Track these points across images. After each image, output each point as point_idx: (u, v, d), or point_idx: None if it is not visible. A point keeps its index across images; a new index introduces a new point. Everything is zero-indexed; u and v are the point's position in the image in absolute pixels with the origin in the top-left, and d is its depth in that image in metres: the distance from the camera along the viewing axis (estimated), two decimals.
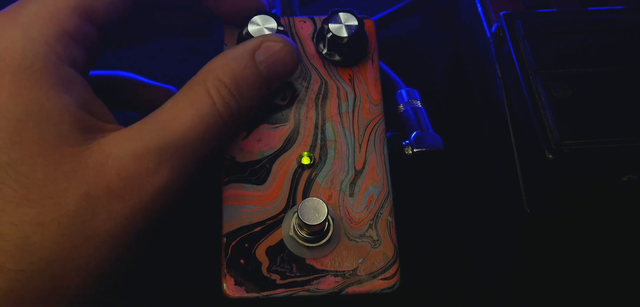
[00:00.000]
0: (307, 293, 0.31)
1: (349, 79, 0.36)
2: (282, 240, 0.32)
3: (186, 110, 0.29)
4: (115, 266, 0.28)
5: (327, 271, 0.31)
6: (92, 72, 0.33)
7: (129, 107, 0.40)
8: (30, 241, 0.26)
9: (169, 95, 0.40)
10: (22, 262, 0.26)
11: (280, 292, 0.31)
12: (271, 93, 0.34)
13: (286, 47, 0.32)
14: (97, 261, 0.27)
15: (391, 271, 0.31)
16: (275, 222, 0.32)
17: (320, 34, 0.37)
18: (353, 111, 0.35)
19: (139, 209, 0.28)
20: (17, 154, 0.26)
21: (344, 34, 0.36)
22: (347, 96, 0.36)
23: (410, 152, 0.36)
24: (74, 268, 0.27)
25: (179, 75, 0.51)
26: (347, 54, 0.36)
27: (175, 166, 0.29)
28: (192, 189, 0.31)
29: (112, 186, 0.27)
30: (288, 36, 0.37)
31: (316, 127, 0.35)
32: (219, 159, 0.35)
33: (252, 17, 0.35)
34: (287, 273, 0.31)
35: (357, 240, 0.32)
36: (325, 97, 0.36)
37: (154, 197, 0.28)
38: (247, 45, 0.32)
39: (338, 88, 0.36)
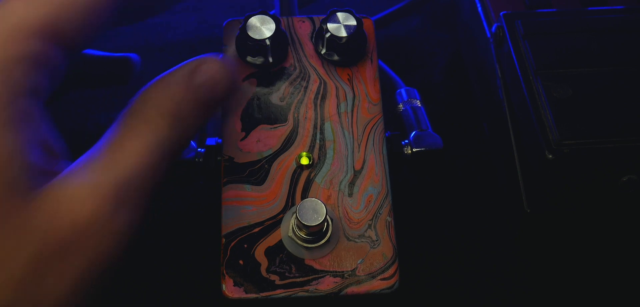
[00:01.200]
0: (306, 294, 0.31)
1: (348, 79, 0.36)
2: (281, 241, 0.32)
3: (131, 143, 0.27)
4: None
5: (326, 272, 0.31)
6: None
7: (88, 84, 0.37)
8: None
9: (127, 64, 0.37)
10: None
11: (280, 292, 0.31)
12: (212, 114, 0.31)
13: (222, 69, 0.29)
14: None
15: (390, 271, 0.31)
16: (274, 222, 0.32)
17: (319, 34, 0.37)
18: (352, 111, 0.35)
19: (94, 261, 0.25)
20: None
21: (343, 33, 0.36)
22: (346, 96, 0.36)
23: (410, 151, 0.36)
24: None
25: None
26: (345, 54, 0.36)
27: (132, 204, 0.26)
28: (147, 223, 0.28)
29: (66, 240, 0.24)
30: (287, 36, 0.37)
31: (315, 127, 0.35)
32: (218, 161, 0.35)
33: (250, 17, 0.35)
34: (286, 274, 0.31)
35: (356, 240, 0.32)
36: (324, 97, 0.36)
37: (112, 243, 0.25)
38: (184, 69, 0.29)
39: (337, 88, 0.36)
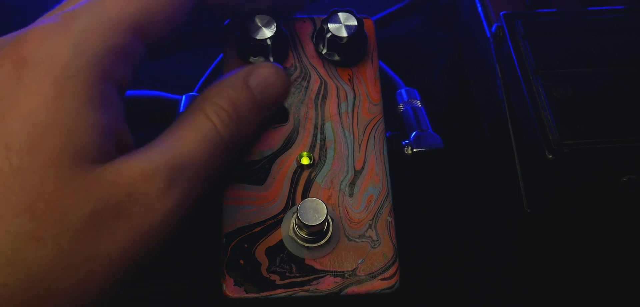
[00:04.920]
0: (306, 293, 0.31)
1: (349, 79, 0.36)
2: (281, 240, 0.32)
3: (189, 133, 0.29)
4: (109, 289, 0.27)
5: (327, 271, 0.31)
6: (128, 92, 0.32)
7: (153, 124, 0.39)
8: (21, 255, 0.25)
9: (164, 105, 0.40)
10: (9, 277, 0.25)
11: (280, 292, 0.31)
12: (267, 119, 0.33)
13: (277, 73, 0.32)
14: (91, 285, 0.26)
15: (391, 271, 0.31)
16: (275, 222, 0.32)
17: (320, 34, 0.37)
18: (352, 111, 0.35)
19: (145, 231, 0.27)
20: (31, 161, 0.25)
21: (344, 33, 0.36)
22: (346, 96, 0.36)
23: (410, 151, 0.36)
24: (65, 290, 0.26)
25: (179, 75, 0.51)
26: (346, 54, 0.36)
27: (185, 187, 0.28)
28: (197, 213, 0.30)
29: (121, 206, 0.27)
30: (288, 35, 0.37)
31: (316, 127, 0.35)
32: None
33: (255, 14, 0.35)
34: (287, 273, 0.31)
35: (357, 240, 0.32)
36: (324, 97, 0.36)
37: (163, 219, 0.28)
38: (240, 73, 0.32)
39: (337, 88, 0.36)
